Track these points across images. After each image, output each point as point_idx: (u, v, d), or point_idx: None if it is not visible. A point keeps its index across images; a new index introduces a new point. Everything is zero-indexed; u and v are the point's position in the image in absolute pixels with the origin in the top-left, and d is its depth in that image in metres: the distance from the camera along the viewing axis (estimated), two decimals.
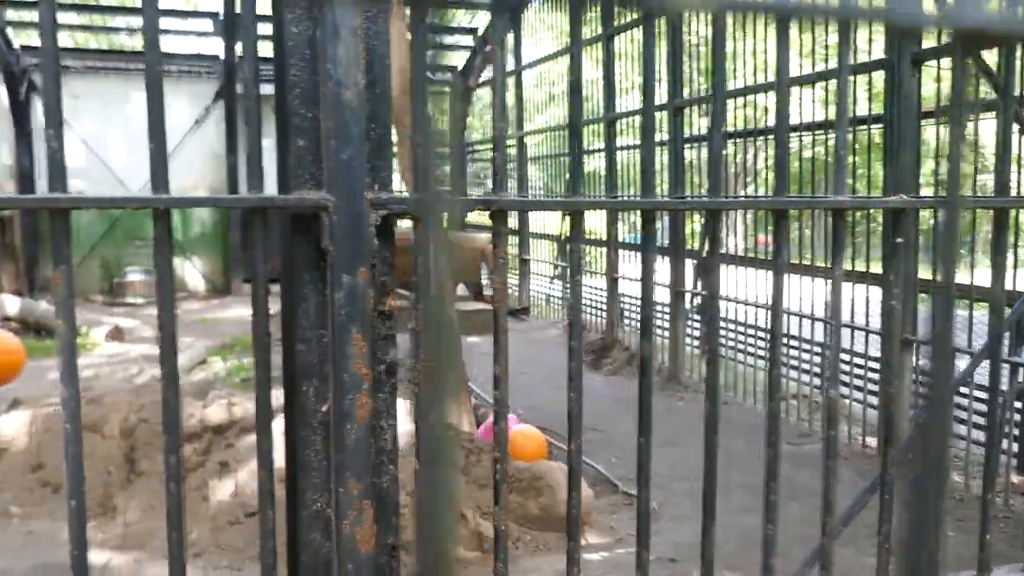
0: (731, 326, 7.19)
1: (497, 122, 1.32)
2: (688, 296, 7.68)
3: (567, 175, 12.04)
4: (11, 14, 12.36)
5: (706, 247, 7.54)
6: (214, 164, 13.06)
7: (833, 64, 6.60)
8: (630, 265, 9.00)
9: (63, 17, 14.70)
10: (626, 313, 8.99)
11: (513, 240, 14.22)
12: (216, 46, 13.49)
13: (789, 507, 3.97)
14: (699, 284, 7.63)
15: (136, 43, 17.46)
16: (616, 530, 4.18)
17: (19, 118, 12.67)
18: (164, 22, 13.09)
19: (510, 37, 11.56)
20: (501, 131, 1.32)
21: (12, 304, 9.41)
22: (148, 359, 7.87)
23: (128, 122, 13.01)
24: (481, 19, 13.39)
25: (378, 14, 1.26)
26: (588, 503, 4.12)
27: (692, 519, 4.15)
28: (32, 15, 12.80)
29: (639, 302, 9.27)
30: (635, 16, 8.81)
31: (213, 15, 12.09)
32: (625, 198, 7.25)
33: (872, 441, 5.61)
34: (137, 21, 14.15)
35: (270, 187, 1.27)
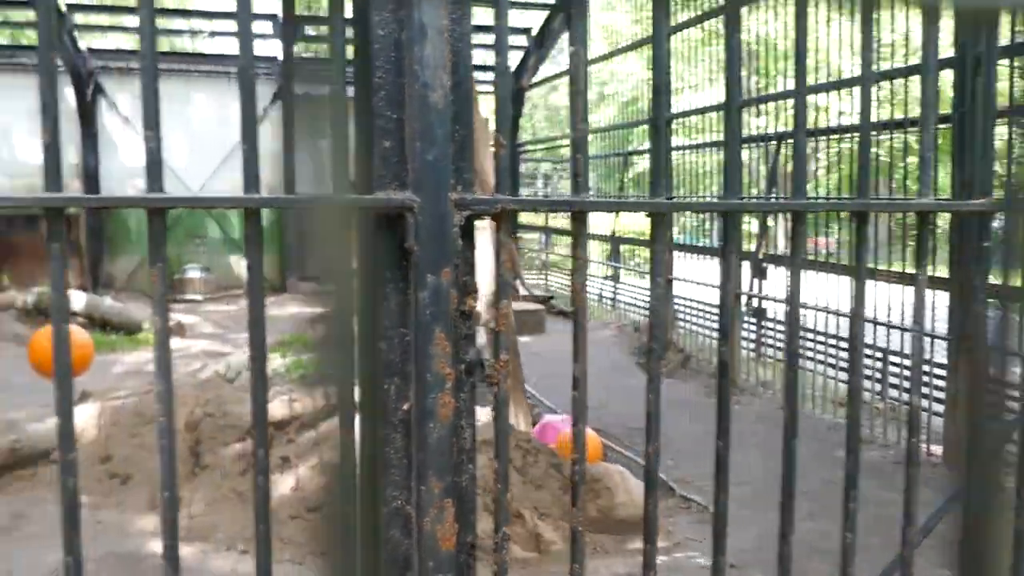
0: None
1: (577, 123, 1.32)
2: (744, 298, 7.58)
3: (618, 175, 11.98)
4: (79, 17, 12.73)
5: (763, 248, 7.43)
6: (272, 165, 13.30)
7: (897, 64, 6.45)
8: (683, 264, 8.91)
9: (127, 20, 15.10)
10: (680, 315, 8.91)
11: (565, 240, 14.18)
12: (272, 48, 13.72)
13: None
14: (755, 286, 7.52)
15: (197, 45, 17.84)
16: (673, 534, 4.14)
17: (86, 119, 13.05)
18: (222, 24, 13.37)
19: (564, 37, 11.53)
20: (582, 132, 1.32)
21: (79, 300, 9.71)
22: (209, 355, 8.05)
23: (188, 123, 13.32)
24: (534, 18, 13.38)
25: (463, 16, 1.27)
26: None
27: (751, 524, 4.09)
28: (98, 18, 13.17)
29: (692, 303, 9.14)
30: (690, 16, 8.74)
31: (272, 17, 12.30)
32: (693, 199, 7.16)
33: (936, 449, 5.47)
34: (198, 23, 14.46)
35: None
